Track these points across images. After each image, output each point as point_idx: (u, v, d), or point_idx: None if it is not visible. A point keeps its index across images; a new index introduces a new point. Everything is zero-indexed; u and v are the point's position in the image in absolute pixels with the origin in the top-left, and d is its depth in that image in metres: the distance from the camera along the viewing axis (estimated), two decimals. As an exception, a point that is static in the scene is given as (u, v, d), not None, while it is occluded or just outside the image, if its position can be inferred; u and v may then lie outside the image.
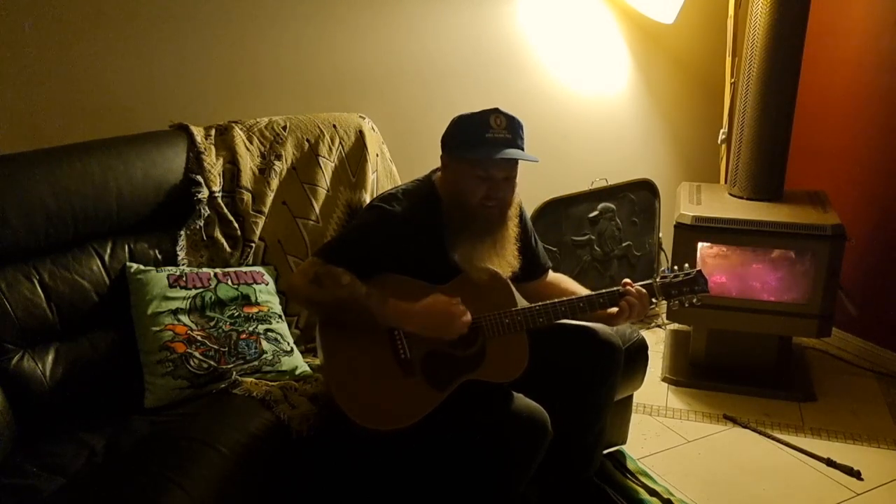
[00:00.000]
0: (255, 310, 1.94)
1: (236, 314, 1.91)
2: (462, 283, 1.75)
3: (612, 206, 3.00)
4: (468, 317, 1.67)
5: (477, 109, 1.71)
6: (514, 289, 1.83)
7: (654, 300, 1.82)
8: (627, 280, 1.81)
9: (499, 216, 1.75)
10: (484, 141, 1.66)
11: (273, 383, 1.81)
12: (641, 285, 1.81)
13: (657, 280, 1.83)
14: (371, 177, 2.28)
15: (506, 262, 1.78)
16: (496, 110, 1.68)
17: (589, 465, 1.98)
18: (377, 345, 1.67)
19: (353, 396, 1.62)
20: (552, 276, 2.01)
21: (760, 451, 2.36)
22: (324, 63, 2.39)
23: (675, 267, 1.87)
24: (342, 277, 1.64)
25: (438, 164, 1.80)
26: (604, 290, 1.79)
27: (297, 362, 1.94)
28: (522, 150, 1.71)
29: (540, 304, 1.74)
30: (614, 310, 1.79)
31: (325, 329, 1.70)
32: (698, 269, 1.86)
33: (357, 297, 1.63)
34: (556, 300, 1.75)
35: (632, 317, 1.78)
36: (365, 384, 1.65)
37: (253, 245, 2.07)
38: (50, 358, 1.79)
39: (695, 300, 1.84)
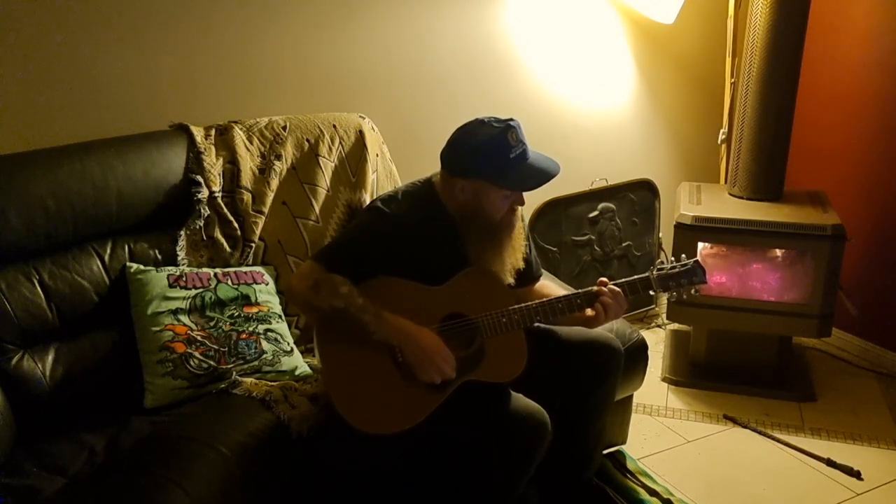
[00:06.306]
0: (255, 310, 1.94)
1: (236, 314, 1.91)
2: (460, 283, 1.74)
3: (612, 206, 3.00)
4: (451, 373, 1.64)
5: (477, 110, 1.70)
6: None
7: (651, 292, 1.80)
8: (603, 279, 1.77)
9: (516, 218, 1.78)
10: (511, 163, 1.66)
11: (273, 383, 1.82)
12: (638, 278, 1.78)
13: (654, 272, 1.79)
14: (371, 177, 2.28)
15: (520, 253, 1.81)
16: (508, 126, 1.66)
17: (589, 465, 1.98)
18: (375, 349, 1.66)
19: (352, 402, 1.62)
20: (539, 282, 2.00)
21: (760, 451, 2.36)
22: (324, 63, 2.39)
23: (672, 258, 1.82)
24: (340, 287, 1.63)
25: (439, 164, 1.77)
26: (580, 291, 1.76)
27: (297, 362, 1.94)
28: (529, 147, 1.71)
29: (525, 304, 1.74)
30: (591, 312, 1.75)
31: (322, 335, 1.69)
32: (695, 259, 1.81)
33: (353, 310, 1.62)
34: (537, 301, 1.74)
35: (609, 318, 1.74)
36: (363, 389, 1.64)
37: (253, 245, 2.07)
38: (50, 358, 1.79)
39: (693, 291, 1.80)
